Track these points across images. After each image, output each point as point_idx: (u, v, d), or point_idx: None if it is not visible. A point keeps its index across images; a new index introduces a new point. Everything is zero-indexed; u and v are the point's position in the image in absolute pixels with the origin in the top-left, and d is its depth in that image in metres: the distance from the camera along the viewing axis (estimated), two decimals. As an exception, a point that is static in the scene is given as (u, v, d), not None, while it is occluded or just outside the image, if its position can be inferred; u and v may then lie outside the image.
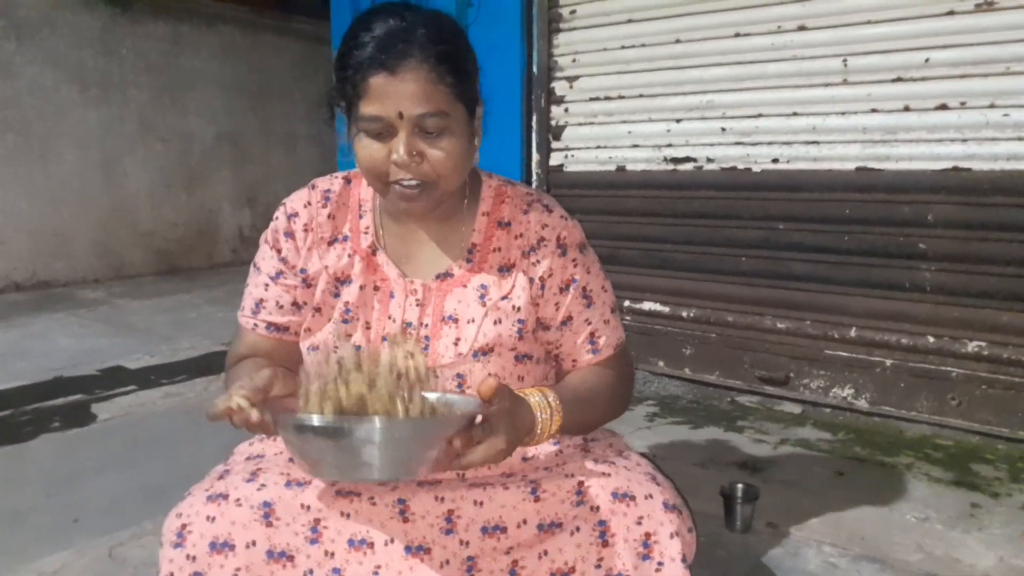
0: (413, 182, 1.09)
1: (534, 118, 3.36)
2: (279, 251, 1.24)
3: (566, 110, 3.31)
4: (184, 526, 1.05)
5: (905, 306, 2.56)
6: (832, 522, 1.88)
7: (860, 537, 1.80)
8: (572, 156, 3.33)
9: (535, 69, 3.32)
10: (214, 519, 1.05)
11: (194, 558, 1.03)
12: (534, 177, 3.39)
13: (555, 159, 3.37)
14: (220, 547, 1.03)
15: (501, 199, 1.25)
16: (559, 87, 3.31)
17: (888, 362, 2.62)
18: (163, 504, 1.09)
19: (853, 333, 2.68)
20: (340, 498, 1.10)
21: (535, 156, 3.40)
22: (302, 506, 1.08)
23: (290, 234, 1.24)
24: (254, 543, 1.05)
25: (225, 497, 1.07)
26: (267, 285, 1.24)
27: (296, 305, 1.24)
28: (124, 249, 6.00)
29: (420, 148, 1.07)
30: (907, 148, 2.51)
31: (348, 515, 1.10)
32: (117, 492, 2.15)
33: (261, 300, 1.25)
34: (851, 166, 2.63)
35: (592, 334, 1.24)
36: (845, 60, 2.58)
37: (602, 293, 1.26)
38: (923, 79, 2.46)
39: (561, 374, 1.29)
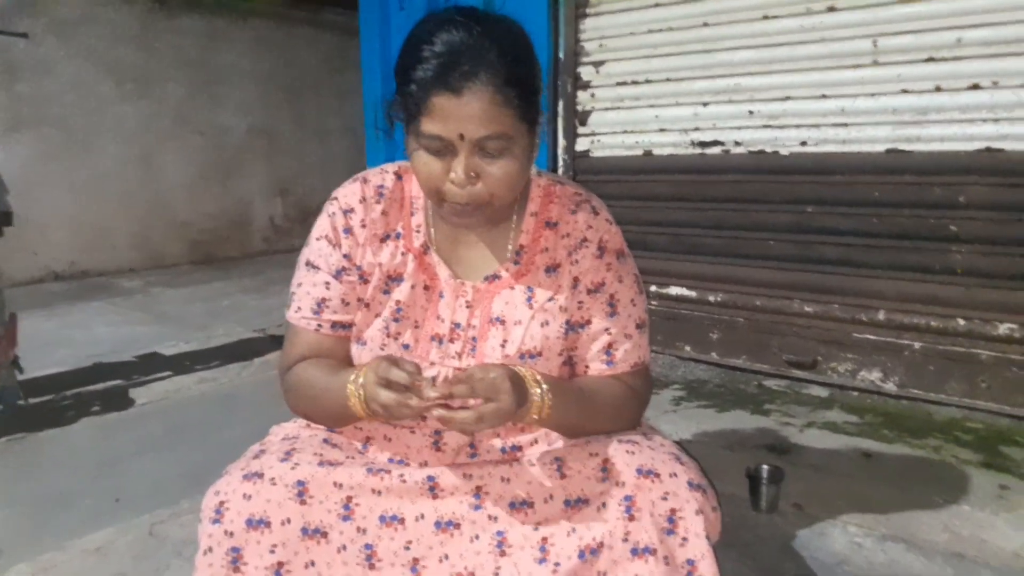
0: (467, 203, 1.09)
1: (560, 104, 3.36)
2: (340, 247, 1.23)
3: (592, 95, 3.31)
4: (222, 503, 1.08)
5: (935, 288, 2.53)
6: (858, 503, 1.87)
7: (886, 518, 1.80)
8: (598, 141, 3.33)
9: (561, 55, 3.32)
10: (250, 497, 1.08)
11: (232, 534, 1.06)
12: (560, 163, 3.40)
13: (581, 144, 3.38)
14: (256, 524, 1.07)
15: (550, 199, 1.25)
16: (585, 72, 3.31)
17: (917, 345, 2.59)
18: (200, 484, 1.12)
19: (882, 316, 2.66)
20: (371, 476, 1.14)
21: (561, 142, 3.40)
22: (335, 484, 1.11)
23: (349, 230, 1.23)
24: (289, 520, 1.08)
25: (260, 476, 1.10)
26: (328, 283, 1.23)
27: (358, 301, 1.23)
28: (161, 240, 6.13)
29: (478, 168, 1.07)
30: (938, 129, 2.48)
31: (379, 492, 1.13)
32: (156, 473, 2.22)
33: (323, 299, 1.23)
34: (881, 148, 2.60)
35: (609, 344, 1.22)
36: (875, 41, 2.55)
37: (630, 306, 1.23)
38: (955, 59, 2.42)
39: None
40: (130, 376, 3.12)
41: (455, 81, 1.01)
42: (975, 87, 2.40)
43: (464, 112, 1.02)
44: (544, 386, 1.10)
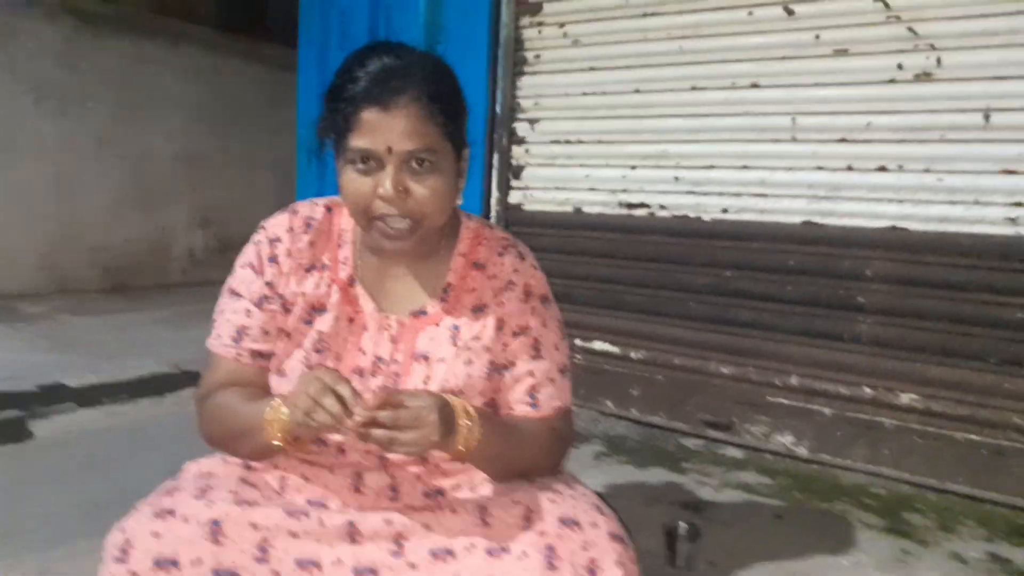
0: (397, 222, 1.10)
1: (495, 157, 3.43)
2: (263, 275, 1.22)
3: (527, 151, 3.39)
4: (128, 541, 1.03)
5: (843, 356, 2.66)
6: (771, 563, 1.92)
7: (795, 574, 1.85)
8: (531, 195, 3.40)
9: (498, 110, 3.40)
10: (160, 535, 1.04)
11: (136, 574, 1.02)
12: (493, 213, 3.45)
13: (514, 197, 3.44)
14: (165, 564, 1.02)
15: (479, 241, 1.27)
16: (521, 128, 3.39)
17: (827, 411, 2.71)
18: (100, 522, 1.07)
19: (794, 381, 2.77)
20: (289, 517, 1.11)
21: (495, 193, 3.46)
22: (251, 524, 1.08)
23: (273, 259, 1.23)
24: (200, 561, 1.04)
25: (172, 513, 1.06)
26: (249, 311, 1.22)
27: (279, 331, 1.22)
28: (71, 264, 5.85)
29: (406, 184, 1.09)
30: (849, 205, 2.64)
31: (296, 535, 1.10)
32: (52, 509, 2.09)
33: (244, 327, 1.22)
34: (797, 219, 2.74)
35: (533, 388, 1.23)
36: (794, 119, 2.71)
37: (553, 351, 1.26)
38: (865, 141, 2.60)
39: None
40: (30, 407, 2.94)
41: (383, 96, 1.06)
42: (882, 169, 2.57)
43: (391, 125, 1.06)
44: (474, 418, 1.10)
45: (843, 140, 2.63)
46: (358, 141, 1.07)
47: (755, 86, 2.78)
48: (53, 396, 3.09)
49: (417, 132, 1.07)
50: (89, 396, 3.13)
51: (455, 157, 1.15)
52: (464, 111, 1.17)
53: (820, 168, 2.68)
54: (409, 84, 1.07)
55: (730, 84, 2.83)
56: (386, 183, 1.08)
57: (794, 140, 2.73)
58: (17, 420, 2.79)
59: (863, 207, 2.61)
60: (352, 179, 1.11)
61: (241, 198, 6.93)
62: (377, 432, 1.00)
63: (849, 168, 2.63)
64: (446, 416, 1.05)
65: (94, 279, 6.00)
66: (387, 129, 1.06)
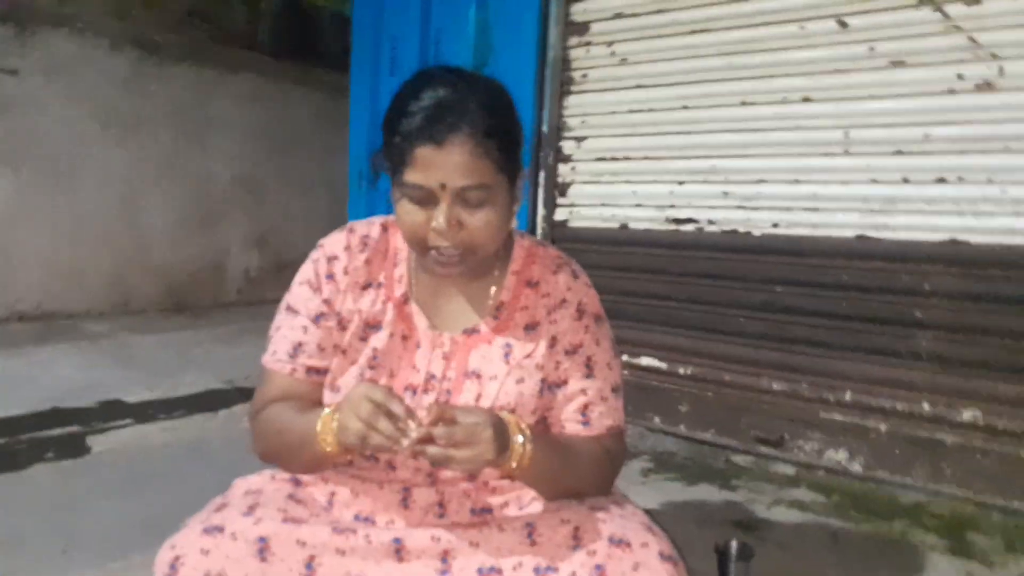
0: (450, 252, 1.11)
1: (542, 175, 3.44)
2: (321, 292, 1.24)
3: (573, 168, 3.38)
4: (177, 558, 1.05)
5: (901, 373, 2.58)
6: (826, 585, 1.87)
7: (852, 602, 1.80)
8: (577, 212, 3.39)
9: (545, 128, 3.41)
10: (209, 552, 1.05)
11: (186, 590, 1.03)
12: (539, 231, 3.46)
13: (560, 214, 3.44)
14: (213, 579, 1.04)
15: (532, 260, 1.28)
16: (567, 146, 3.39)
17: (883, 427, 2.62)
18: (154, 537, 1.09)
19: (848, 397, 2.70)
20: (336, 535, 1.12)
21: (541, 211, 3.46)
22: (298, 542, 1.09)
23: (331, 276, 1.24)
24: (247, 577, 1.05)
25: (221, 530, 1.08)
26: (306, 328, 1.23)
27: (335, 348, 1.24)
28: (134, 284, 6.04)
29: (460, 217, 1.09)
30: (905, 218, 2.56)
31: (343, 552, 1.11)
32: (108, 524, 2.14)
33: (300, 343, 1.23)
34: (850, 234, 2.68)
35: (585, 406, 1.23)
36: (847, 132, 2.66)
37: (606, 369, 1.25)
38: (922, 153, 2.52)
39: None
40: (89, 422, 3.03)
41: (438, 133, 1.06)
42: (941, 180, 2.49)
43: (445, 162, 1.06)
44: (527, 435, 1.10)
45: (898, 152, 2.57)
46: (412, 177, 1.08)
47: (806, 100, 2.74)
48: (111, 412, 3.19)
49: (470, 169, 1.07)
50: (145, 412, 3.21)
51: (509, 186, 1.15)
52: (520, 140, 1.17)
53: (874, 181, 2.62)
54: (463, 120, 1.06)
55: (781, 99, 2.79)
56: (440, 218, 1.08)
57: (847, 153, 2.67)
58: (76, 436, 2.88)
59: (920, 220, 2.54)
60: (407, 211, 1.11)
61: (295, 219, 7.09)
62: (431, 449, 1.00)
63: (905, 181, 2.56)
64: (500, 433, 1.05)
65: (156, 298, 6.19)
66: (441, 166, 1.06)
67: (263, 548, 1.07)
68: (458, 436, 1.00)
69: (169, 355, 4.46)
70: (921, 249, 2.53)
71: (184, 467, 2.62)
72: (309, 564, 1.09)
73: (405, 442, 1.00)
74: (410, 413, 1.02)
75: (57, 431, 2.92)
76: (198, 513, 1.14)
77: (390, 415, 1.01)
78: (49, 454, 2.68)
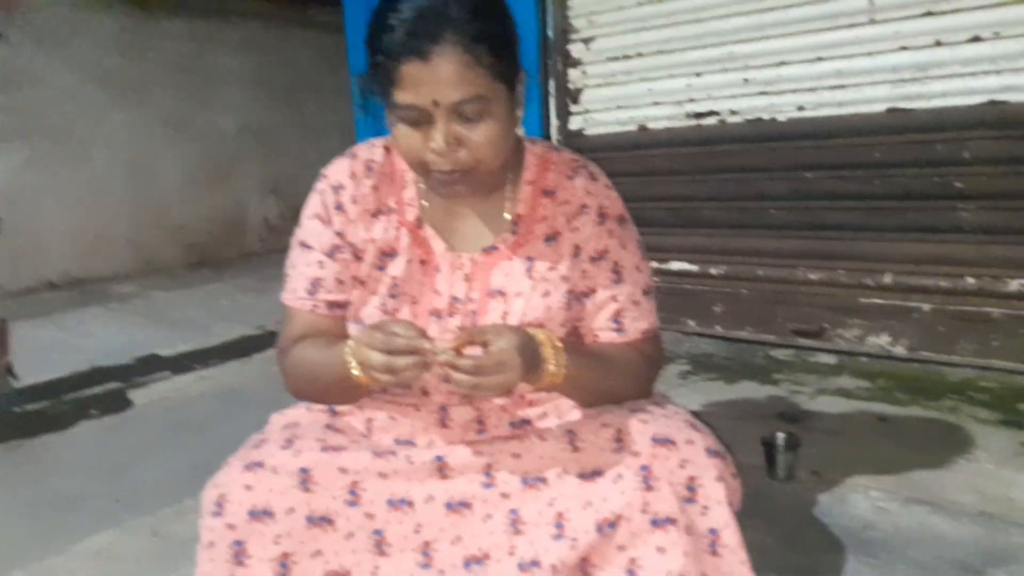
0: (452, 171, 1.05)
1: (551, 83, 3.31)
2: (332, 225, 1.19)
3: (583, 72, 3.25)
4: (222, 495, 1.04)
5: (943, 248, 2.49)
6: (878, 468, 1.83)
7: (908, 481, 1.76)
8: (591, 119, 3.27)
9: (550, 33, 3.27)
10: (251, 487, 1.04)
11: (234, 526, 1.03)
12: (553, 142, 3.34)
13: (574, 123, 3.32)
14: (259, 514, 1.03)
15: (546, 166, 1.20)
16: (575, 50, 3.25)
17: (926, 307, 2.55)
18: (203, 482, 1.08)
19: (889, 280, 2.62)
20: (377, 459, 1.10)
21: (554, 121, 3.35)
22: (339, 469, 1.08)
23: (340, 207, 1.19)
24: (293, 509, 1.04)
25: (261, 465, 1.06)
26: (321, 263, 1.19)
27: (353, 280, 1.19)
28: (156, 244, 6.08)
29: (458, 134, 1.02)
30: (940, 84, 2.43)
31: (386, 475, 1.09)
32: (157, 473, 2.18)
33: (317, 279, 1.19)
34: (880, 108, 2.55)
35: (617, 312, 1.18)
36: (870, -2, 2.50)
37: (635, 272, 1.20)
38: (954, 11, 2.37)
39: None
40: (128, 378, 3.07)
41: (421, 46, 0.97)
42: (976, 39, 2.34)
43: (434, 77, 0.98)
44: (560, 349, 1.06)
45: (928, 14, 2.41)
46: (402, 96, 1.00)
47: (824, -32, 2.57)
48: (148, 366, 3.23)
49: (463, 80, 0.99)
50: (181, 363, 3.25)
51: (509, 93, 1.06)
52: (514, 39, 1.07)
53: (904, 48, 2.47)
54: (447, 27, 0.98)
55: (796, -29, 2.62)
56: (437, 138, 1.01)
57: (872, 22, 2.51)
58: (118, 391, 2.92)
59: (955, 84, 2.40)
60: (403, 133, 1.05)
61: (308, 164, 6.95)
62: (460, 377, 0.96)
63: (937, 44, 2.41)
64: (530, 353, 1.01)
65: (178, 256, 6.22)
66: (430, 81, 0.98)
67: (305, 479, 1.06)
68: (486, 366, 0.96)
69: (198, 309, 4.49)
70: (958, 115, 2.40)
71: (224, 412, 2.65)
72: (352, 490, 1.08)
73: (435, 365, 0.96)
74: (422, 332, 0.99)
75: (98, 388, 2.97)
76: (238, 451, 1.13)
77: (413, 350, 0.97)
78: (93, 411, 2.73)
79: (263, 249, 6.80)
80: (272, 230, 6.92)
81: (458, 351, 0.98)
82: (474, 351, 0.99)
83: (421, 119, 1.02)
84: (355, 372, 1.04)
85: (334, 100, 7.03)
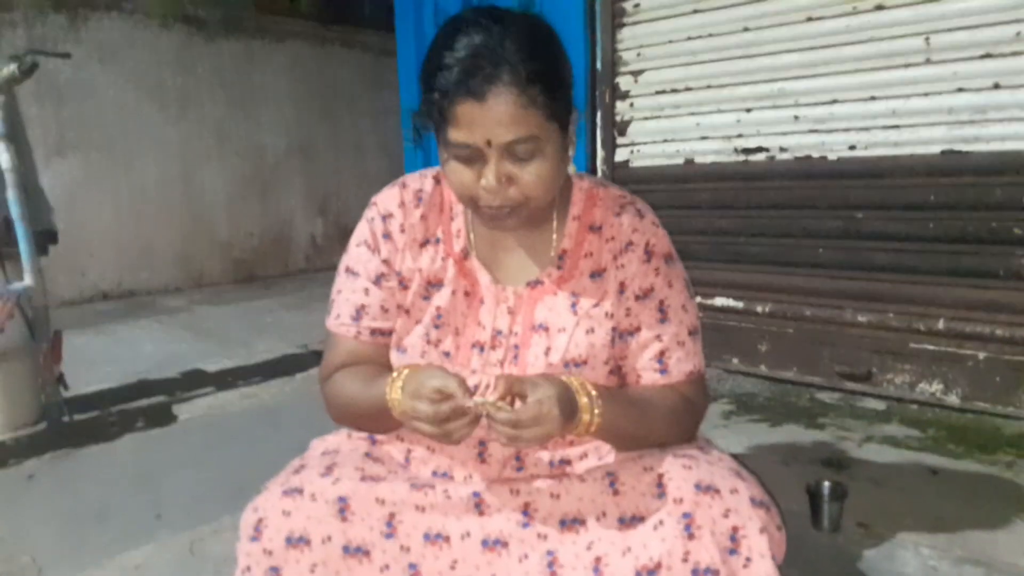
0: (502, 208, 1.05)
1: (598, 114, 3.32)
2: (379, 253, 1.20)
3: (631, 105, 3.25)
4: (261, 520, 1.05)
5: (1000, 295, 2.41)
6: (929, 523, 1.77)
7: (961, 539, 1.69)
8: (638, 151, 3.27)
9: (599, 65, 3.28)
10: (290, 513, 1.04)
11: (271, 552, 1.03)
12: (599, 174, 3.35)
13: (620, 155, 3.32)
14: (296, 541, 1.03)
15: (593, 202, 1.20)
16: (624, 82, 3.26)
17: (981, 355, 2.47)
18: (241, 501, 1.09)
19: (941, 325, 2.55)
20: (415, 491, 1.09)
21: (600, 153, 3.36)
22: (377, 500, 1.07)
23: (388, 235, 1.20)
24: (330, 538, 1.04)
25: (300, 492, 1.06)
26: (367, 290, 1.19)
27: (398, 308, 1.20)
28: (203, 259, 6.21)
29: (510, 172, 1.03)
30: (998, 128, 2.37)
31: (423, 509, 1.08)
32: (197, 489, 2.20)
33: (363, 306, 1.20)
34: (936, 149, 2.50)
35: (661, 353, 1.16)
36: (927, 38, 2.46)
37: (681, 312, 1.18)
38: (1013, 54, 2.32)
39: None
40: (174, 392, 3.13)
41: (476, 86, 0.98)
42: (1037, 83, 2.29)
43: (489, 117, 0.98)
44: (595, 397, 1.04)
45: (987, 56, 2.36)
46: (456, 135, 1.01)
47: (879, 8, 2.54)
48: (193, 381, 3.29)
49: (516, 121, 0.99)
50: (225, 380, 3.30)
51: (561, 132, 1.06)
52: (568, 79, 1.07)
53: (961, 90, 2.42)
54: (503, 67, 0.97)
55: (851, 9, 2.60)
56: (488, 176, 1.02)
57: (928, 62, 2.47)
58: (163, 405, 2.97)
59: (1015, 128, 2.34)
60: (455, 170, 1.05)
61: (354, 183, 7.14)
62: (500, 429, 0.96)
63: (996, 86, 2.36)
64: (567, 402, 0.99)
65: (225, 271, 6.35)
66: (484, 121, 0.99)
67: (343, 508, 1.06)
68: (524, 420, 0.95)
69: (243, 325, 4.57)
70: (1017, 159, 2.34)
71: (265, 430, 2.68)
72: (389, 522, 1.07)
73: (469, 404, 0.97)
74: (460, 382, 0.99)
75: (145, 402, 3.03)
76: (277, 476, 1.13)
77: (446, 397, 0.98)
78: (139, 423, 2.78)
79: (308, 267, 6.91)
80: (317, 248, 7.03)
81: (500, 399, 0.97)
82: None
83: (473, 157, 1.03)
84: (391, 403, 1.04)
85: (377, 121, 7.16)
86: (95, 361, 3.63)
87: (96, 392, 3.13)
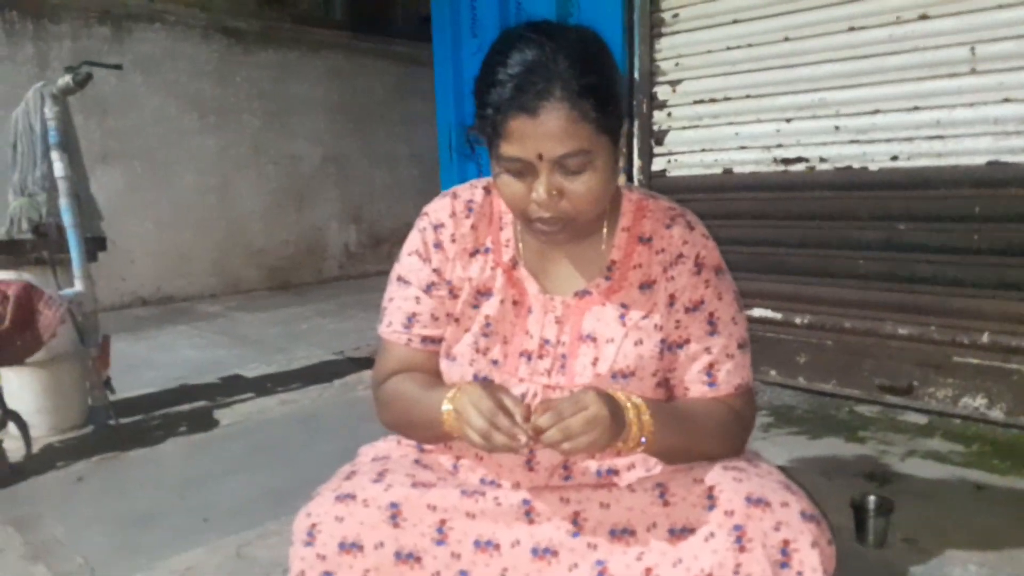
0: (553, 221, 1.06)
1: (636, 124, 3.32)
2: (430, 262, 1.22)
3: (669, 114, 3.25)
4: (314, 525, 1.06)
5: (1047, 308, 2.38)
6: (977, 539, 1.74)
7: (1010, 557, 1.67)
8: (675, 160, 3.27)
9: (636, 75, 3.29)
10: (343, 519, 1.06)
11: (324, 557, 1.04)
12: (635, 183, 3.35)
13: (657, 164, 3.32)
14: (349, 547, 1.05)
15: (642, 213, 1.21)
16: (661, 92, 3.26)
17: (1028, 369, 2.43)
18: (285, 506, 1.11)
19: (986, 338, 2.51)
20: (465, 498, 1.10)
21: (636, 162, 3.36)
22: (428, 506, 1.09)
23: (439, 245, 1.21)
24: (382, 544, 1.05)
25: (353, 497, 1.08)
26: (418, 298, 1.21)
27: (448, 316, 1.22)
28: (238, 266, 6.31)
29: (560, 185, 1.04)
30: (1046, 139, 2.34)
31: (474, 516, 1.09)
32: (242, 494, 2.23)
33: (414, 314, 1.22)
34: (981, 160, 2.47)
35: (710, 365, 1.16)
36: (973, 48, 2.43)
37: (731, 324, 1.18)
38: (1062, 64, 2.29)
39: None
40: (214, 397, 3.18)
41: (529, 102, 0.99)
42: (1086, 93, 2.25)
43: (540, 132, 1.00)
44: (644, 413, 1.04)
45: (1034, 66, 2.33)
46: (508, 149, 1.03)
47: (924, 17, 2.52)
48: (233, 387, 3.34)
49: (568, 135, 1.00)
50: (264, 386, 3.35)
51: (612, 145, 1.07)
52: (619, 92, 1.08)
53: (1007, 100, 2.39)
54: (555, 82, 0.99)
55: (894, 19, 2.58)
56: (539, 189, 1.03)
57: (974, 72, 2.44)
58: (205, 410, 3.03)
59: (1063, 139, 2.31)
60: (507, 183, 1.07)
61: (386, 192, 7.21)
62: (549, 433, 0.96)
63: (1043, 96, 2.33)
64: (615, 413, 1.00)
65: (261, 279, 6.44)
66: (536, 136, 1.00)
67: (395, 514, 1.07)
68: (574, 428, 0.96)
69: (279, 331, 4.63)
70: (1066, 171, 2.31)
71: (304, 437, 2.71)
72: (440, 528, 1.08)
73: (523, 439, 0.96)
74: (527, 412, 0.99)
75: (186, 406, 3.08)
76: (329, 481, 1.15)
77: (506, 413, 0.98)
78: (182, 428, 2.83)
79: (342, 275, 6.98)
80: (351, 256, 7.10)
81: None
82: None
83: (525, 170, 1.04)
84: (446, 415, 1.05)
85: (409, 131, 7.22)
86: (136, 366, 3.71)
87: (139, 396, 3.20)
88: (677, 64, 3.19)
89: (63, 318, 2.51)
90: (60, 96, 2.60)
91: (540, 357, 1.17)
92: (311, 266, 6.82)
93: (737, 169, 3.07)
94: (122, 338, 4.16)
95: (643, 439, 1.04)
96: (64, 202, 2.63)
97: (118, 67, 3.01)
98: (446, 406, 1.06)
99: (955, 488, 2.06)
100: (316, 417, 2.92)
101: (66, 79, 2.56)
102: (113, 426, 2.79)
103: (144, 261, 5.71)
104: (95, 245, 2.84)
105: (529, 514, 1.10)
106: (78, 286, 2.71)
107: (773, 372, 3.02)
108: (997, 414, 2.50)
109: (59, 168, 2.62)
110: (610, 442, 0.99)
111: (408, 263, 1.24)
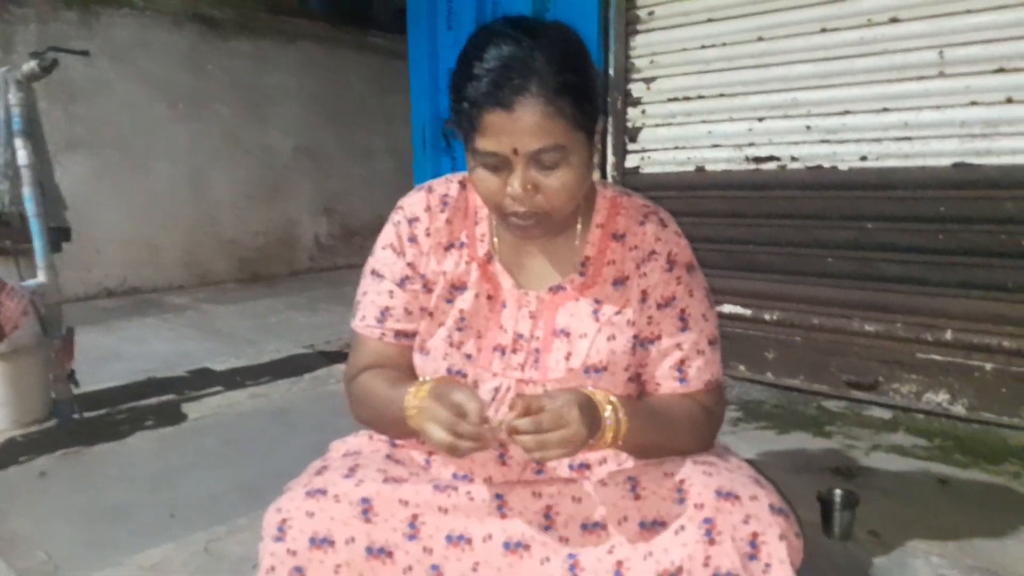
0: (528, 216, 1.07)
1: (610, 120, 3.34)
2: (404, 256, 1.21)
3: (643, 112, 3.27)
4: (284, 520, 1.06)
5: (1008, 308, 2.43)
6: (939, 532, 1.78)
7: (972, 548, 1.71)
8: (649, 158, 3.29)
9: (611, 72, 3.30)
10: (313, 515, 1.06)
11: (295, 552, 1.04)
12: (609, 180, 3.37)
13: (631, 161, 3.34)
14: (320, 543, 1.04)
15: (616, 210, 1.22)
16: (636, 89, 3.28)
17: (988, 366, 2.49)
18: (254, 501, 1.10)
19: (949, 336, 2.56)
20: (438, 493, 1.11)
21: (611, 159, 3.37)
22: (400, 501, 1.09)
23: (413, 239, 1.21)
24: (353, 539, 1.05)
25: (324, 493, 1.08)
26: (392, 292, 1.21)
27: (422, 311, 1.21)
28: (208, 257, 6.22)
29: (535, 180, 1.04)
30: (1010, 142, 2.39)
31: (446, 510, 1.10)
32: (210, 488, 2.21)
33: (387, 308, 1.21)
34: (947, 162, 2.51)
35: (681, 361, 1.17)
36: (941, 52, 2.48)
37: (701, 321, 1.19)
38: (1027, 69, 2.34)
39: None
40: (183, 391, 3.14)
41: (505, 97, 0.99)
42: (1049, 98, 2.31)
43: (516, 127, 1.00)
44: (620, 411, 1.04)
45: (1000, 71, 2.38)
46: (484, 144, 1.03)
47: (894, 20, 2.56)
48: (202, 380, 3.29)
49: (543, 130, 1.00)
50: (233, 379, 3.31)
51: (588, 141, 1.08)
52: (595, 89, 1.09)
53: (974, 104, 2.44)
54: (531, 80, 0.99)
55: (865, 21, 2.62)
56: (514, 184, 1.03)
57: (942, 75, 2.49)
58: (172, 404, 2.98)
59: (1026, 142, 2.36)
60: (482, 177, 1.07)
61: (360, 185, 7.15)
62: (523, 438, 0.96)
63: (1008, 101, 2.38)
64: (589, 410, 1.00)
65: (231, 270, 6.35)
66: (512, 131, 1.00)
67: (367, 509, 1.07)
68: (545, 423, 0.95)
69: (249, 324, 4.58)
70: (1028, 174, 2.36)
71: (274, 432, 2.69)
72: (412, 523, 1.08)
73: (488, 437, 0.97)
74: (484, 406, 0.99)
75: (154, 400, 3.04)
76: (300, 477, 1.14)
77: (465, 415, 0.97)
78: (149, 422, 2.79)
79: (313, 267, 6.92)
80: (322, 248, 7.04)
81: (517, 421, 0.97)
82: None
83: (500, 165, 1.04)
84: (410, 421, 1.05)
85: (385, 125, 7.17)
86: (102, 358, 3.64)
87: (105, 390, 3.14)
88: (652, 62, 3.21)
89: (26, 310, 2.46)
90: (25, 82, 2.54)
91: (514, 351, 1.18)
92: (282, 258, 6.75)
93: (709, 167, 3.10)
94: (87, 330, 4.08)
95: (621, 437, 1.04)
96: (27, 191, 2.58)
97: (85, 53, 2.95)
98: (408, 408, 1.05)
99: (919, 482, 2.11)
100: (286, 411, 2.90)
101: (31, 65, 2.50)
102: (77, 420, 2.74)
103: (111, 251, 5.60)
104: (59, 235, 2.79)
105: (501, 508, 1.11)
106: (41, 277, 2.66)
107: (742, 367, 3.06)
108: (959, 409, 2.55)
109: (22, 156, 2.56)
110: (585, 441, 0.99)
111: (382, 257, 1.23)
